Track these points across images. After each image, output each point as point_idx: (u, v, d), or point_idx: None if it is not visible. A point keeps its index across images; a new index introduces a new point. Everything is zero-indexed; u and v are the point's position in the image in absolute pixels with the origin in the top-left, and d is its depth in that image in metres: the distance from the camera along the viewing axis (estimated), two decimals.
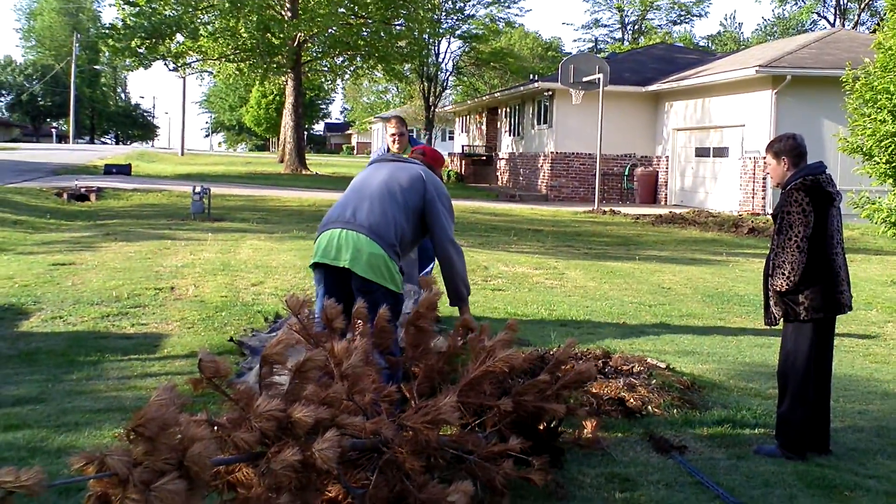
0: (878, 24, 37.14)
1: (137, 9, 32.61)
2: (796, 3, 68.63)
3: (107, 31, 34.41)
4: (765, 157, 5.49)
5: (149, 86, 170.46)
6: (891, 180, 14.06)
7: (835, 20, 64.70)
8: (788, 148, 5.31)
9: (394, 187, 5.39)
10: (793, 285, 5.10)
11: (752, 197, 23.52)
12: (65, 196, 20.11)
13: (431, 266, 8.19)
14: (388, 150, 8.27)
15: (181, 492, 3.26)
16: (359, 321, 4.68)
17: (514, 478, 4.22)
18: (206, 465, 3.37)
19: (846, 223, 5.39)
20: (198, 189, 17.10)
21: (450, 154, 43.85)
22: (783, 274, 5.11)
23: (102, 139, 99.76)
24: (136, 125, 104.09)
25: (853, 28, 56.23)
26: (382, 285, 5.20)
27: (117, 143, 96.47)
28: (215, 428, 3.77)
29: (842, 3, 65.51)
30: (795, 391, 5.18)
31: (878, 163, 14.04)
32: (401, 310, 5.39)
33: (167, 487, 3.24)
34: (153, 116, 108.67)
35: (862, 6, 61.59)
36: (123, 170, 29.25)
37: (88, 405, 5.60)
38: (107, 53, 36.65)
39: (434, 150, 6.32)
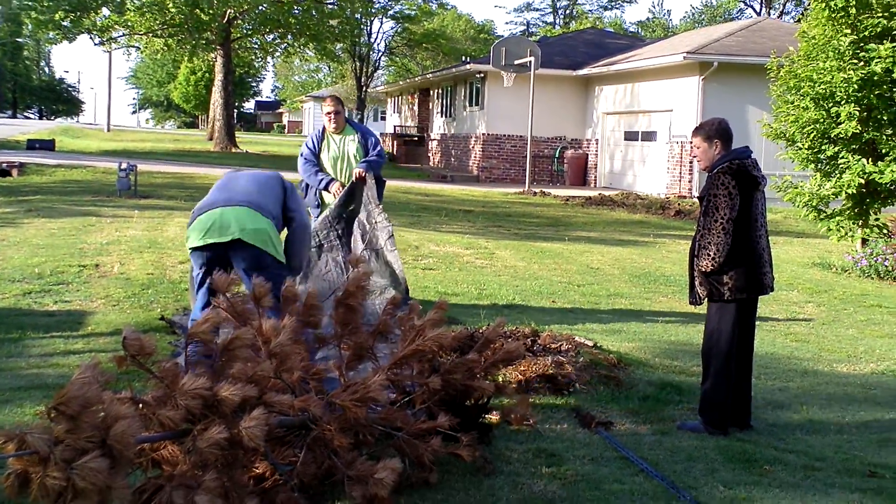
0: (803, 14, 37.67)
1: None
2: None
3: (30, 3, 33.39)
4: (692, 141, 5.56)
5: (74, 60, 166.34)
6: (812, 165, 14.38)
7: (761, 9, 65.81)
8: (719, 131, 5.41)
9: (259, 177, 5.97)
10: (718, 266, 5.21)
11: (679, 180, 23.89)
12: None
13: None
14: (325, 129, 8.19)
15: (103, 470, 3.21)
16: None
17: (442, 454, 4.24)
18: (129, 443, 3.32)
19: (770, 206, 5.52)
20: (124, 166, 16.76)
21: (382, 134, 43.68)
22: (708, 255, 5.21)
23: (25, 114, 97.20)
24: (61, 100, 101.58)
25: (779, 17, 57.31)
26: (273, 255, 5.29)
27: (41, 118, 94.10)
28: (140, 406, 3.72)
29: None
30: (719, 369, 5.29)
31: (800, 148, 14.35)
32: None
33: (89, 465, 3.19)
34: (78, 91, 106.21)
35: None
36: (47, 145, 28.54)
37: (9, 383, 5.48)
38: (29, 26, 35.55)
39: None
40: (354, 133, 8.18)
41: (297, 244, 5.93)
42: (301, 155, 8.20)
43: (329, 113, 8.10)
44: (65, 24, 32.00)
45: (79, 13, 32.12)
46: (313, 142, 8.18)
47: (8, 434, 3.25)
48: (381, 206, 7.88)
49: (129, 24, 34.07)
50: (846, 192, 13.67)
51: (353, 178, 7.86)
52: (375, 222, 7.82)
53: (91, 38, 34.39)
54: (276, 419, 3.93)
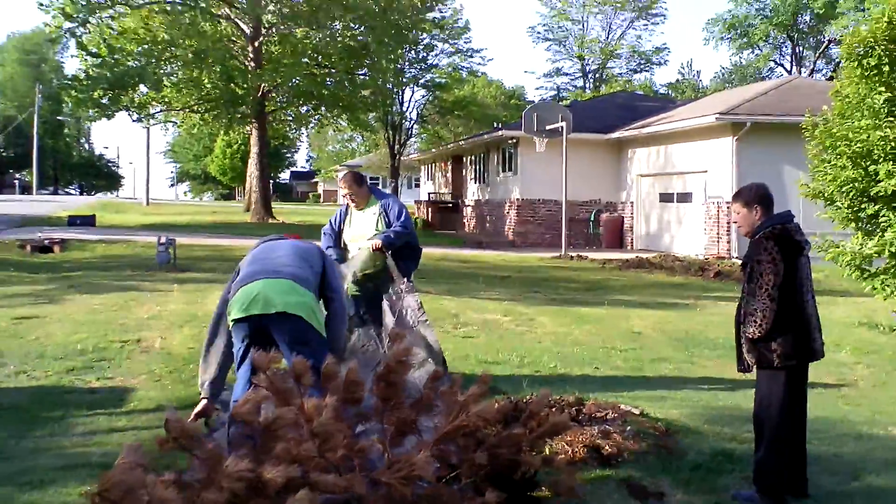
0: (834, 72, 37.65)
1: (100, 60, 32.47)
2: (753, 51, 69.96)
3: (69, 82, 34.18)
4: (732, 206, 5.49)
5: (113, 136, 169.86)
6: (853, 224, 14.20)
7: (791, 68, 65.99)
8: (758, 196, 5.35)
9: (298, 250, 5.88)
10: (765, 333, 5.11)
11: (718, 241, 23.72)
12: (28, 248, 19.83)
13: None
14: (347, 208, 8.15)
15: None
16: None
17: None
18: None
19: (812, 266, 5.42)
20: (163, 239, 16.94)
21: (416, 201, 43.92)
22: (755, 322, 5.11)
23: (66, 189, 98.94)
24: (100, 175, 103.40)
25: (809, 75, 57.35)
26: (317, 330, 5.20)
27: (81, 194, 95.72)
28: (183, 488, 3.68)
29: (798, 50, 66.87)
30: (771, 437, 5.16)
31: (839, 207, 14.18)
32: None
33: None
34: (117, 166, 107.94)
35: (818, 54, 62.85)
36: (87, 221, 28.96)
37: (52, 462, 5.46)
38: (69, 104, 36.38)
39: None
40: (377, 205, 7.95)
41: (337, 325, 5.78)
42: (323, 232, 8.21)
43: (345, 195, 8.04)
44: (103, 101, 32.68)
45: (117, 91, 32.80)
46: (336, 218, 8.15)
47: None
48: (405, 280, 7.67)
49: (167, 99, 34.79)
50: (889, 251, 13.45)
51: (370, 250, 7.74)
52: (401, 292, 7.69)
53: (129, 114, 35.11)
54: (321, 498, 3.87)
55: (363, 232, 7.90)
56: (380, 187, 8.67)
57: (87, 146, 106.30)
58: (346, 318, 5.95)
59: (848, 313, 14.89)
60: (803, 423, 5.38)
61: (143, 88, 34.67)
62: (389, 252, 7.68)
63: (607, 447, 5.76)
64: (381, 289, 7.70)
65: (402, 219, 7.88)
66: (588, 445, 5.75)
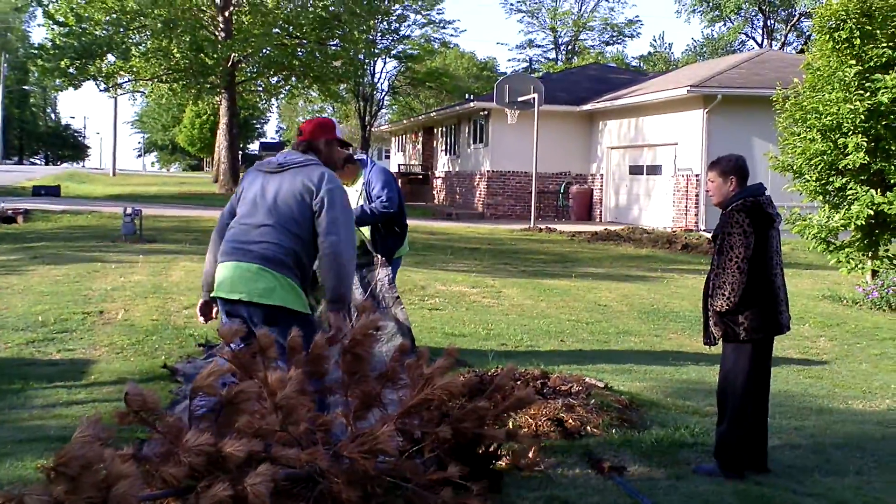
0: (805, 45, 37.85)
1: (67, 29, 31.98)
2: (725, 24, 70.06)
3: (36, 51, 33.69)
4: (708, 175, 5.47)
5: (79, 106, 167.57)
6: (820, 197, 14.33)
7: (762, 41, 66.16)
8: (737, 168, 5.33)
9: (281, 204, 5.10)
10: (733, 306, 5.11)
11: (686, 214, 23.84)
12: None
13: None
14: None
15: None
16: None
17: None
18: (130, 503, 3.23)
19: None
20: (129, 210, 16.77)
21: None
22: (723, 295, 5.11)
23: (32, 160, 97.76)
24: (67, 145, 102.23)
25: (780, 48, 57.57)
26: (289, 308, 5.03)
27: (47, 164, 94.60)
28: (142, 463, 3.64)
29: (769, 24, 67.02)
30: (734, 411, 5.19)
31: (808, 180, 14.30)
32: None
33: None
34: (84, 136, 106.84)
35: (789, 27, 63.10)
36: (52, 191, 28.62)
37: (10, 435, 5.39)
38: (36, 73, 35.88)
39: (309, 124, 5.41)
40: (361, 181, 7.73)
41: (324, 273, 5.21)
42: None
43: None
44: (70, 71, 32.24)
45: (84, 60, 32.36)
46: None
47: (6, 495, 3.17)
48: (379, 256, 7.50)
49: (135, 69, 34.36)
50: (855, 224, 13.59)
51: None
52: (375, 266, 7.63)
53: (96, 84, 34.68)
54: (283, 472, 3.84)
55: None
56: (365, 158, 8.39)
57: (53, 116, 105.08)
58: (336, 266, 5.10)
59: (812, 286, 15.04)
60: (766, 397, 5.40)
61: (110, 58, 34.23)
62: (366, 229, 7.57)
63: (570, 420, 5.78)
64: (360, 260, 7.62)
65: (384, 197, 7.59)
66: (552, 419, 5.76)
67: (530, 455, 4.79)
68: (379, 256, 7.51)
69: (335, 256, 4.99)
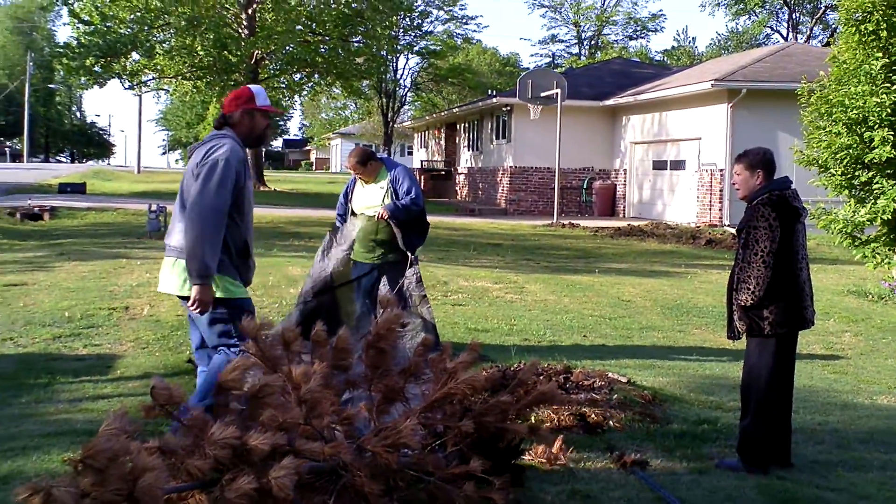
0: (831, 38, 37.45)
1: (92, 27, 32.19)
2: (749, 18, 69.59)
3: (61, 50, 33.92)
4: (735, 167, 5.44)
5: (104, 104, 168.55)
6: (846, 192, 14.20)
7: (787, 34, 65.68)
8: (764, 161, 5.30)
9: (183, 193, 5.07)
10: (757, 300, 5.09)
11: (709, 209, 23.72)
12: (18, 215, 19.79)
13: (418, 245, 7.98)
14: (356, 179, 8.02)
15: None
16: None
17: (475, 499, 4.15)
18: (156, 496, 3.28)
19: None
20: (154, 207, 16.90)
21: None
22: (748, 289, 5.09)
23: (57, 157, 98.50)
24: (92, 143, 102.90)
25: (806, 41, 57.10)
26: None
27: (73, 162, 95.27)
28: (168, 455, 3.68)
29: (794, 17, 66.52)
30: (758, 405, 5.17)
31: (833, 175, 14.18)
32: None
33: None
34: (109, 134, 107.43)
35: (814, 20, 62.58)
36: (78, 188, 28.86)
37: (37, 429, 5.46)
38: (61, 72, 36.17)
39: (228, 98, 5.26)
40: (386, 179, 7.72)
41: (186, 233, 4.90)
42: (339, 199, 8.17)
43: (352, 171, 7.85)
44: (95, 69, 32.45)
45: (109, 59, 32.56)
46: (347, 188, 8.06)
47: (34, 487, 3.21)
48: (409, 254, 7.61)
49: (159, 67, 34.54)
50: (881, 219, 13.47)
51: (375, 218, 7.69)
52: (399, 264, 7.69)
53: (121, 82, 34.89)
54: (306, 466, 3.87)
55: (370, 203, 7.75)
56: (388, 157, 8.39)
57: (78, 114, 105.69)
58: (192, 236, 4.76)
59: (837, 281, 14.94)
60: (790, 392, 5.38)
61: (135, 56, 34.40)
62: (395, 223, 7.60)
63: (593, 415, 5.79)
64: (385, 258, 7.66)
65: (413, 194, 7.66)
66: (574, 413, 5.77)
67: (554, 449, 4.80)
68: (409, 254, 7.57)
69: (187, 229, 4.83)
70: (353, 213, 7.91)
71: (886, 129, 13.24)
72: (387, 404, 4.66)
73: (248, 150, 5.32)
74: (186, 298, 4.94)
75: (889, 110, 13.15)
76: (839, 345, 9.66)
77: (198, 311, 4.82)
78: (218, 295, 4.89)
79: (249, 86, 5.24)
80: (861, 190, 14.07)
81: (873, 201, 13.66)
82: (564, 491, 4.65)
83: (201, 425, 3.76)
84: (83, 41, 32.18)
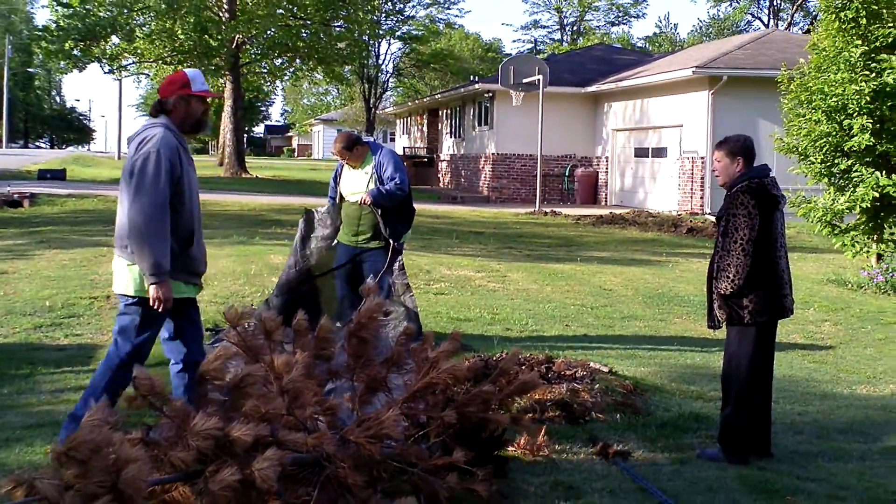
0: (811, 25, 37.54)
1: (71, 10, 31.92)
2: (730, 4, 69.77)
3: (40, 33, 33.65)
4: (715, 154, 5.46)
5: (84, 88, 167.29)
6: (825, 180, 14.28)
7: (769, 21, 65.87)
8: (744, 148, 5.32)
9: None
10: (737, 288, 5.11)
11: (691, 197, 23.80)
12: None
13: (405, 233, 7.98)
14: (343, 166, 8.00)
15: None
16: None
17: (458, 490, 4.17)
18: (140, 487, 3.27)
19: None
20: None
21: None
22: (728, 277, 5.12)
23: (37, 143, 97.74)
24: (72, 128, 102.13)
25: (787, 28, 57.26)
26: (128, 294, 4.86)
27: (52, 147, 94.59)
28: (151, 447, 3.68)
29: (775, 3, 66.73)
30: (738, 395, 5.20)
31: (813, 163, 14.25)
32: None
33: None
34: (89, 119, 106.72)
35: (795, 7, 62.77)
36: (58, 175, 28.63)
37: (19, 420, 5.44)
38: (40, 56, 35.88)
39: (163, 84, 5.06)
40: (371, 164, 7.70)
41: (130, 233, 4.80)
42: (330, 185, 8.17)
43: (339, 156, 7.82)
44: (75, 53, 32.20)
45: (88, 42, 32.31)
46: (336, 172, 8.06)
47: (17, 479, 3.20)
48: (392, 241, 7.66)
49: (139, 51, 34.28)
50: (860, 206, 13.55)
51: (358, 204, 7.69)
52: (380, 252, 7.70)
53: (101, 66, 34.60)
54: (290, 457, 3.87)
55: (356, 187, 7.74)
56: (374, 140, 8.34)
57: (58, 99, 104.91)
58: (135, 233, 4.69)
59: (817, 270, 15.04)
60: (769, 381, 5.42)
61: (115, 39, 34.14)
62: (379, 210, 7.59)
63: (575, 405, 5.81)
64: (369, 243, 7.66)
65: (397, 179, 7.61)
66: (556, 403, 5.79)
67: (538, 440, 4.83)
68: (392, 242, 7.57)
69: (130, 229, 4.71)
70: (342, 197, 7.91)
71: (865, 116, 13.31)
72: (369, 394, 4.66)
73: (192, 135, 5.16)
74: (123, 296, 4.85)
75: (868, 98, 13.22)
76: (819, 334, 9.73)
77: (161, 308, 4.73)
78: (135, 292, 4.77)
79: (185, 70, 5.09)
80: (840, 178, 14.15)
81: (852, 189, 13.75)
82: (547, 482, 4.68)
83: (183, 416, 3.75)
84: (62, 24, 31.92)
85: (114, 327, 4.99)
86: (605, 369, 6.67)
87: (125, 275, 4.83)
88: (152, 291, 4.68)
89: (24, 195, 20.31)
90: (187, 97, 4.89)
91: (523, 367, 6.23)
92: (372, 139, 8.23)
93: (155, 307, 4.71)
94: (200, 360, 4.97)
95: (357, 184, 7.74)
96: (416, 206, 8.11)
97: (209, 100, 5.13)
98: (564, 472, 4.83)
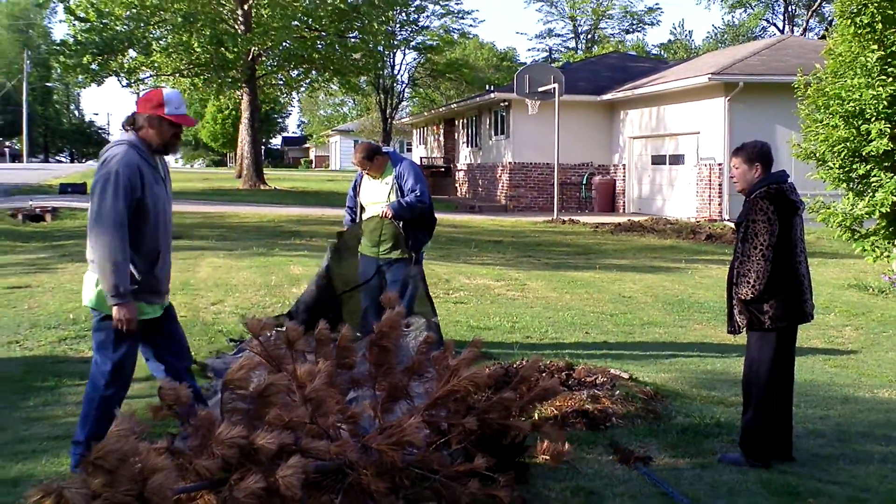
0: (827, 30, 37.57)
1: (88, 24, 32.17)
2: (745, 11, 69.60)
3: (58, 48, 33.89)
4: (732, 161, 5.47)
5: (102, 102, 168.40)
6: (844, 185, 14.23)
7: (784, 27, 65.69)
8: (762, 154, 5.33)
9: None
10: (758, 294, 5.12)
11: (709, 203, 23.75)
12: (19, 217, 19.79)
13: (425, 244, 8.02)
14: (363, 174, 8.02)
15: None
16: None
17: (480, 496, 4.20)
18: (166, 496, 3.32)
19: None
20: None
21: None
22: (748, 282, 5.13)
23: (57, 157, 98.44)
24: (91, 142, 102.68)
25: (802, 34, 57.10)
26: (95, 308, 4.82)
27: (72, 161, 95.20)
28: (177, 456, 3.72)
29: (790, 9, 66.53)
30: (759, 400, 5.21)
31: (831, 168, 14.20)
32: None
33: None
34: (108, 133, 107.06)
35: (810, 13, 62.56)
36: (79, 189, 28.82)
37: (46, 432, 5.51)
38: (58, 70, 36.13)
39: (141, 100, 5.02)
40: (391, 175, 7.70)
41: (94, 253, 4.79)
42: (348, 195, 8.21)
43: (359, 166, 7.81)
44: (93, 67, 32.44)
45: (106, 56, 32.55)
46: (355, 182, 8.08)
47: (46, 488, 3.25)
48: (412, 253, 7.68)
49: (156, 64, 34.50)
50: (880, 211, 13.49)
51: (379, 217, 7.71)
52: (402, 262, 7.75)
53: (119, 79, 34.84)
54: (313, 465, 3.91)
55: (376, 198, 7.76)
56: (394, 151, 8.37)
57: (76, 113, 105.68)
58: (98, 255, 4.69)
59: (838, 275, 14.98)
60: (790, 385, 5.42)
61: (132, 53, 34.38)
62: (400, 223, 7.62)
63: (596, 411, 5.83)
64: (390, 254, 7.68)
65: (418, 191, 7.62)
66: (577, 410, 5.81)
67: (560, 447, 4.85)
68: (413, 254, 7.62)
69: (92, 249, 4.68)
70: (362, 208, 7.94)
71: (883, 121, 13.26)
72: (391, 402, 4.70)
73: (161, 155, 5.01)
74: (95, 310, 4.82)
75: (885, 103, 13.17)
76: (840, 339, 9.70)
77: (125, 329, 4.69)
78: (105, 311, 4.74)
79: (165, 90, 4.99)
80: (859, 183, 14.09)
81: (871, 194, 13.69)
82: (568, 487, 4.70)
83: (208, 425, 3.80)
84: (80, 38, 32.18)
85: (92, 344, 4.94)
86: (626, 376, 6.68)
87: (93, 289, 4.78)
88: (115, 313, 4.63)
89: (46, 209, 20.49)
90: (159, 118, 4.81)
91: (543, 374, 6.25)
92: (392, 149, 8.27)
93: (120, 328, 4.67)
94: (184, 367, 5.02)
95: (377, 194, 7.76)
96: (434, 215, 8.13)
97: (183, 126, 4.98)
98: (585, 478, 4.85)
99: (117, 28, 32.83)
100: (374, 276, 7.75)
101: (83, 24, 32.31)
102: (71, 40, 32.65)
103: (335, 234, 8.36)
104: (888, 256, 14.05)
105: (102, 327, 4.77)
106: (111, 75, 34.02)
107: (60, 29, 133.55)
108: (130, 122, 4.87)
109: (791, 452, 5.35)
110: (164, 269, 4.97)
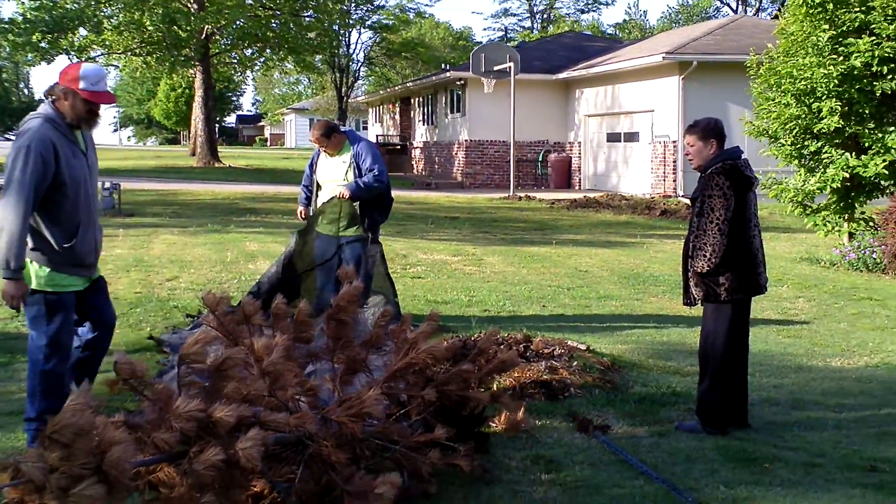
0: (779, 10, 37.89)
1: (37, 2, 31.53)
2: None
3: (6, 26, 33.16)
4: (686, 139, 5.51)
5: (53, 80, 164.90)
6: (796, 161, 14.42)
7: (737, 7, 66.17)
8: (716, 130, 5.39)
9: None
10: (714, 267, 5.19)
11: (664, 180, 23.94)
12: None
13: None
14: (320, 151, 7.98)
15: (100, 496, 3.18)
16: None
17: (440, 466, 4.21)
18: (124, 469, 3.28)
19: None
20: (107, 184, 16.68)
21: None
22: (704, 256, 5.18)
23: (5, 136, 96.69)
24: None
25: (755, 14, 57.61)
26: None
27: None
28: (134, 429, 3.69)
29: None
30: (715, 370, 5.28)
31: (783, 145, 14.39)
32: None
33: (85, 493, 3.16)
34: None
35: None
36: None
37: (1, 408, 5.43)
38: (7, 48, 35.38)
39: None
40: (349, 153, 7.69)
41: None
42: (304, 173, 8.16)
43: (316, 143, 7.78)
44: (42, 45, 31.83)
45: (56, 34, 31.95)
46: (312, 160, 8.04)
47: (2, 463, 3.21)
48: (369, 233, 7.68)
49: (107, 43, 33.96)
50: (831, 187, 13.71)
51: (337, 197, 7.68)
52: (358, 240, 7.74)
53: (69, 58, 34.20)
54: (272, 437, 3.90)
55: (333, 176, 7.76)
56: (352, 130, 8.34)
57: (26, 91, 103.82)
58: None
59: (790, 249, 15.20)
60: (745, 355, 5.51)
61: (82, 31, 33.78)
62: (357, 203, 7.60)
63: (554, 382, 5.87)
64: (347, 232, 7.66)
65: (376, 170, 7.61)
66: (535, 381, 5.85)
67: (518, 416, 4.87)
68: (369, 234, 7.61)
69: None
70: (319, 186, 7.91)
71: (834, 99, 13.44)
72: (350, 375, 4.69)
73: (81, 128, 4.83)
74: None
75: (836, 81, 13.35)
76: (793, 310, 9.84)
77: (10, 306, 4.60)
78: (32, 286, 4.64)
79: (84, 65, 4.83)
80: (810, 159, 14.30)
81: (823, 170, 13.90)
82: (528, 456, 4.73)
83: (165, 399, 3.76)
84: (28, 16, 31.52)
85: (26, 320, 4.87)
86: (583, 347, 6.73)
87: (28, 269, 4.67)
88: (2, 285, 4.56)
89: None
90: (73, 92, 4.68)
91: (501, 347, 6.27)
92: (350, 129, 8.24)
93: (5, 302, 4.59)
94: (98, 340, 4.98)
95: (335, 172, 7.74)
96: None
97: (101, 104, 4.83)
98: (545, 447, 4.88)
99: (67, 6, 32.20)
100: (333, 256, 7.72)
101: (32, 1, 31.65)
102: (20, 18, 31.96)
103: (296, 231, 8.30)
104: (839, 231, 14.28)
105: (32, 301, 4.67)
106: (61, 53, 33.36)
107: (9, 6, 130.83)
108: (50, 92, 4.76)
109: (747, 420, 5.44)
110: (86, 243, 4.83)
